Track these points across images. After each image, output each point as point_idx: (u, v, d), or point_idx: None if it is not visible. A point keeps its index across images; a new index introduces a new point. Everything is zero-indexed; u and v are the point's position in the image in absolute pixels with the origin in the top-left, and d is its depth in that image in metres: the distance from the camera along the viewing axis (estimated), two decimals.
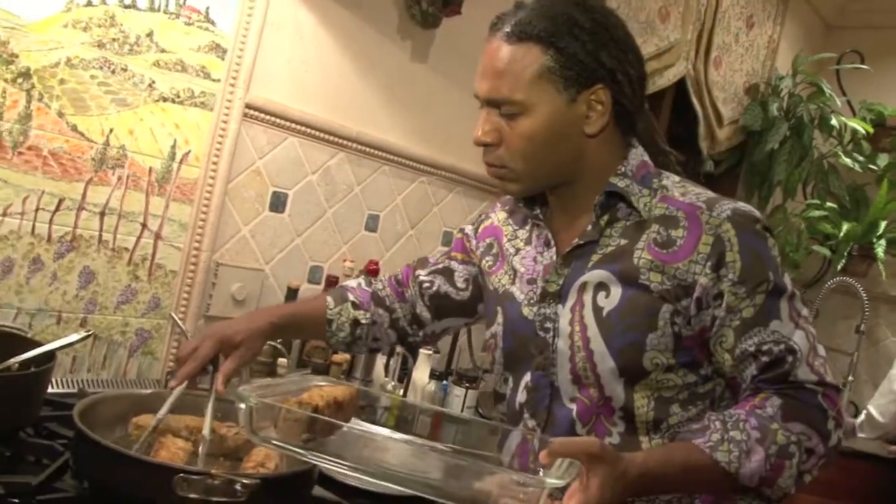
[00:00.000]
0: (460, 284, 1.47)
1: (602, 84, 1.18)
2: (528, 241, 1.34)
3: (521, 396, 1.30)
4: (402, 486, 1.02)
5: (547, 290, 1.25)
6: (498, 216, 1.43)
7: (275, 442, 1.10)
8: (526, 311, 1.28)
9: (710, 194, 1.22)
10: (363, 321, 1.47)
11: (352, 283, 1.54)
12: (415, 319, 1.50)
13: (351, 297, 1.48)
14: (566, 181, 1.25)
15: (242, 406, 1.08)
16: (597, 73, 1.18)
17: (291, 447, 1.09)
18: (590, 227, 1.23)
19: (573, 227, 1.27)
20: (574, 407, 1.23)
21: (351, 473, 1.05)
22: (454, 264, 1.48)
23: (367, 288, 1.51)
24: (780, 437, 1.10)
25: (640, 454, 1.10)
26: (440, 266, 1.49)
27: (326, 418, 1.15)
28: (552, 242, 1.29)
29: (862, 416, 3.25)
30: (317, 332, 1.49)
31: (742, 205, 1.20)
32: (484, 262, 1.41)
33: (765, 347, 1.14)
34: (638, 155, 1.26)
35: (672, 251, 1.17)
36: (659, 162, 1.30)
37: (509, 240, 1.38)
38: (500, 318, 1.34)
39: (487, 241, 1.42)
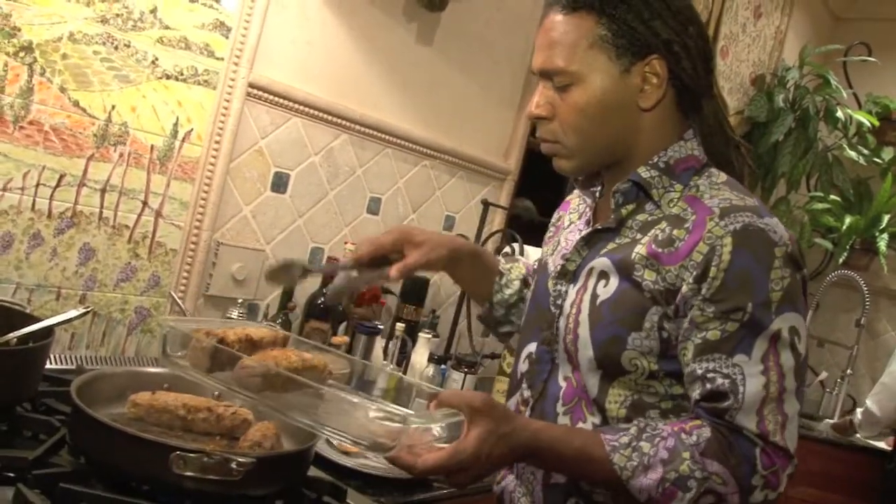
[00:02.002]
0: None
1: (657, 55, 1.15)
2: (580, 216, 1.34)
3: (523, 366, 1.30)
4: (286, 418, 1.14)
5: (566, 268, 1.25)
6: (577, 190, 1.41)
7: (181, 363, 1.17)
8: (550, 283, 1.28)
9: (740, 203, 1.12)
10: (531, 281, 1.44)
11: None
12: None
13: (519, 261, 1.50)
14: (620, 159, 1.21)
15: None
16: (651, 43, 1.14)
17: (195, 373, 1.17)
18: (612, 216, 1.21)
19: (610, 210, 1.23)
20: (564, 386, 1.22)
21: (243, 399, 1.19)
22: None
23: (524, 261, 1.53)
24: (685, 467, 1.05)
25: (539, 423, 1.11)
26: None
27: (228, 349, 1.16)
28: (591, 222, 1.28)
29: (859, 415, 3.25)
30: (488, 280, 1.46)
31: (767, 223, 1.10)
32: (548, 231, 1.42)
33: (710, 375, 1.08)
34: (687, 148, 1.20)
35: (669, 252, 1.12)
36: (722, 156, 1.24)
37: (570, 213, 1.38)
38: (533, 285, 1.35)
39: (560, 213, 1.43)
